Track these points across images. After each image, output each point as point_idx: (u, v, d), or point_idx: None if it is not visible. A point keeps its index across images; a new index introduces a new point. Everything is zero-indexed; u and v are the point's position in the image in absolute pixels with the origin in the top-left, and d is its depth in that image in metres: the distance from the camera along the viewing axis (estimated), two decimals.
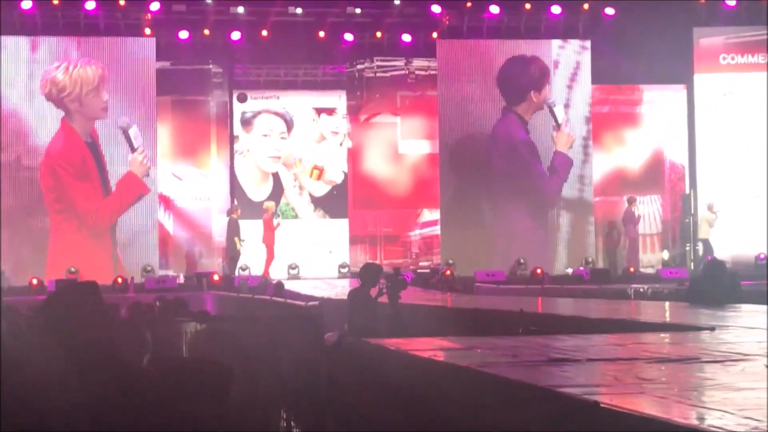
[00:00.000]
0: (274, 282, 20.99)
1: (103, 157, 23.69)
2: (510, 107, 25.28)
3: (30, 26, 24.00)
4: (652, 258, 26.38)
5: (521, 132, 25.30)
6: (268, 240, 24.52)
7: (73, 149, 23.53)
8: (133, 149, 23.61)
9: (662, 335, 9.45)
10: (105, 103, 23.73)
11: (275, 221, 24.70)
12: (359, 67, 26.49)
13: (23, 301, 16.64)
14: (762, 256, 24.16)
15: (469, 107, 25.26)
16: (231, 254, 24.19)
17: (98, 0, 23.93)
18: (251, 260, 24.81)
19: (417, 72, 26.72)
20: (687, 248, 25.43)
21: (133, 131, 23.53)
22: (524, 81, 25.31)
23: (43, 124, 23.58)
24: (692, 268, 24.35)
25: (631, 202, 25.80)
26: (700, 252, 24.85)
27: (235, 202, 24.99)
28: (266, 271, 24.11)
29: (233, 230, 24.12)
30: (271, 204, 24.96)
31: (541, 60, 25.39)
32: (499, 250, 24.76)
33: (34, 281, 21.61)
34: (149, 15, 24.30)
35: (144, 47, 24.21)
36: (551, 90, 25.33)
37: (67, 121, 23.58)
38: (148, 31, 24.39)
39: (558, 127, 25.29)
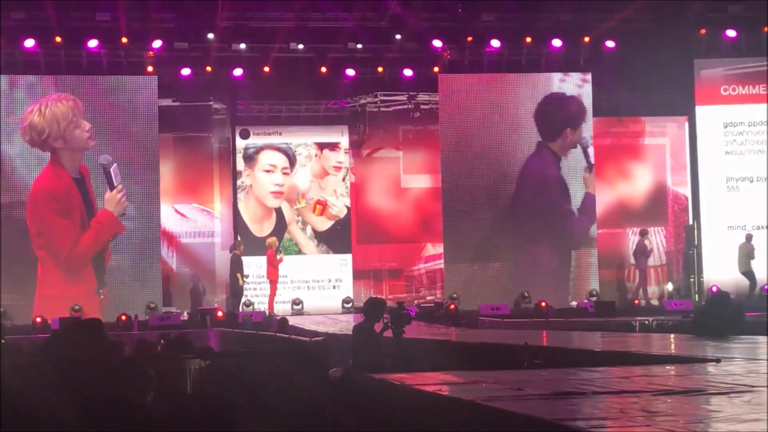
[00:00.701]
0: (278, 318, 20.96)
1: (92, 193, 23.59)
2: (545, 143, 25.31)
3: (33, 65, 24.08)
4: (656, 289, 26.33)
5: (554, 169, 25.32)
6: (272, 275, 24.53)
7: (58, 184, 23.44)
8: (112, 187, 23.48)
9: (668, 367, 9.42)
10: (89, 131, 23.59)
11: (278, 256, 24.70)
12: (362, 101, 26.58)
13: (26, 340, 16.66)
14: (766, 287, 24.08)
15: (471, 141, 25.28)
16: (234, 290, 24.18)
17: (100, 38, 24.03)
18: (255, 296, 24.81)
19: (420, 106, 26.79)
20: (691, 280, 25.40)
21: (114, 169, 23.43)
22: (561, 118, 25.38)
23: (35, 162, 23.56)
24: (696, 299, 24.29)
25: (644, 234, 25.83)
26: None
27: (239, 238, 24.99)
28: (270, 307, 24.12)
29: (236, 266, 24.10)
30: (273, 240, 24.97)
31: (579, 99, 25.44)
32: (503, 284, 24.72)
33: (38, 319, 21.58)
34: (151, 53, 24.40)
35: (146, 85, 24.28)
36: (585, 129, 25.38)
37: (55, 159, 23.53)
38: (150, 68, 24.48)
39: (590, 168, 25.31)
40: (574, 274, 25.32)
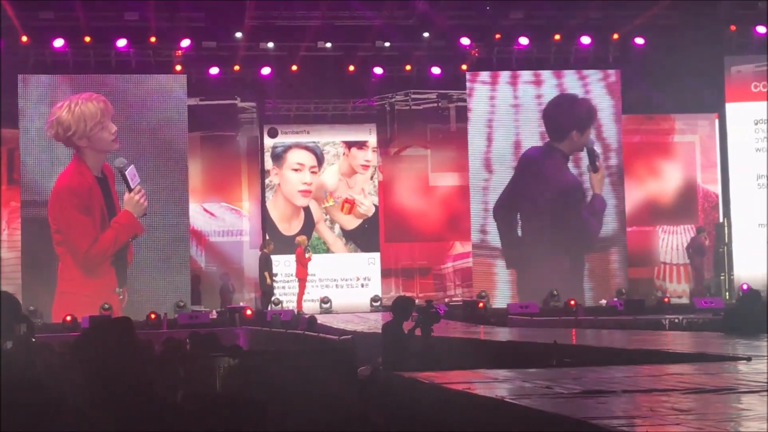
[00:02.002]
0: (307, 316, 20.99)
1: (115, 194, 23.66)
2: (552, 143, 25.24)
3: (62, 65, 24.21)
4: (686, 287, 26.20)
5: (569, 174, 25.21)
6: (301, 274, 24.56)
7: (80, 181, 23.52)
8: (129, 189, 23.49)
9: (698, 366, 9.37)
10: (114, 134, 23.67)
11: (306, 255, 24.73)
12: (393, 99, 26.58)
13: (56, 339, 16.74)
14: None
15: (499, 139, 25.24)
16: (264, 289, 24.22)
17: (129, 38, 24.14)
18: (283, 294, 24.86)
19: (448, 104, 26.75)
20: (722, 277, 25.27)
21: (130, 171, 23.44)
22: (569, 120, 25.26)
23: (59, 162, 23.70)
24: (727, 297, 24.15)
25: (700, 231, 25.74)
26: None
27: (267, 237, 25.03)
28: (299, 305, 24.15)
29: (265, 265, 24.14)
30: (302, 238, 24.99)
31: (589, 101, 25.31)
32: (532, 282, 24.65)
33: (68, 318, 21.68)
34: (180, 52, 24.48)
35: (174, 84, 24.36)
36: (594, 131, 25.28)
37: (79, 157, 23.65)
38: (178, 68, 24.57)
39: (595, 168, 25.18)
40: (602, 273, 25.21)
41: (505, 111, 25.27)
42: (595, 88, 25.42)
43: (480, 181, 25.17)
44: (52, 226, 23.49)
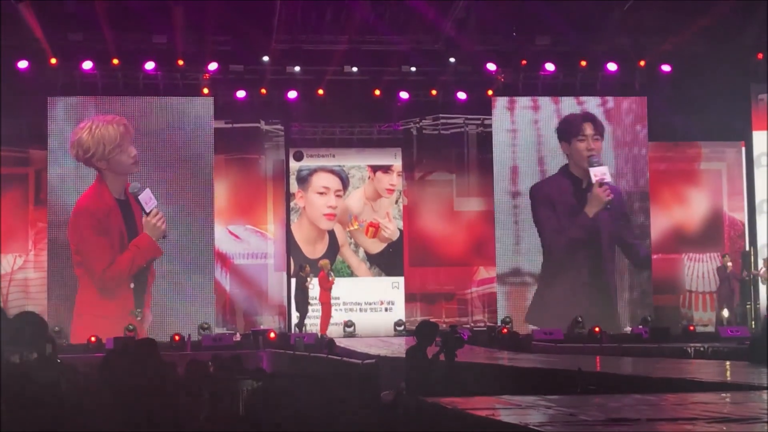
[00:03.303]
0: (327, 340, 21.01)
1: (138, 216, 23.72)
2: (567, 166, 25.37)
3: (90, 87, 24.38)
4: (711, 316, 26.03)
5: (570, 193, 25.22)
6: (324, 298, 24.55)
7: (99, 203, 23.67)
8: (146, 213, 23.60)
9: (723, 395, 9.31)
10: (134, 158, 23.85)
11: (330, 278, 24.72)
12: (420, 124, 26.61)
13: (80, 359, 16.78)
14: None
15: (524, 164, 25.25)
16: (300, 311, 24.21)
17: (157, 60, 24.31)
18: (308, 318, 24.85)
19: (475, 130, 26.77)
20: (747, 306, 25.11)
21: (144, 195, 23.48)
22: (558, 132, 25.39)
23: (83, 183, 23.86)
24: (753, 326, 24.00)
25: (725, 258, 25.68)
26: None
27: (298, 262, 25.05)
28: (323, 329, 24.12)
29: (302, 288, 24.21)
30: (325, 262, 24.98)
31: (581, 115, 25.37)
32: (557, 309, 24.57)
33: (93, 338, 21.75)
34: (207, 75, 24.63)
35: (202, 107, 24.49)
36: (600, 149, 25.22)
37: (100, 179, 23.79)
38: (206, 90, 24.70)
39: (589, 186, 25.11)
40: (628, 300, 25.13)
41: (530, 136, 25.28)
42: (623, 114, 25.42)
43: (505, 206, 25.15)
44: (71, 247, 23.67)
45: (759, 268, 24.86)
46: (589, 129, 25.34)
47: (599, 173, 24.94)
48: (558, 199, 25.23)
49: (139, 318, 23.43)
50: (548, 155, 25.30)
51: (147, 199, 23.53)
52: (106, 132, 23.81)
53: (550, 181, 25.31)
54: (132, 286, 23.75)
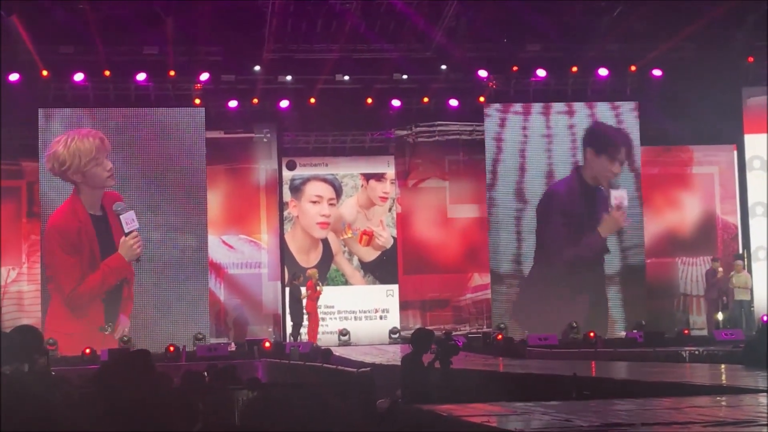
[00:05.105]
0: (323, 349, 20.99)
1: (114, 231, 23.54)
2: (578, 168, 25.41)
3: (82, 98, 24.36)
4: (706, 319, 26.05)
5: (579, 198, 25.27)
6: (310, 308, 24.49)
7: (71, 220, 23.50)
8: (125, 233, 23.47)
9: (718, 398, 9.32)
10: (109, 171, 23.65)
11: (317, 288, 24.68)
12: (414, 131, 26.58)
13: (74, 371, 16.76)
14: None
15: (516, 171, 25.26)
16: (295, 320, 24.19)
17: (148, 72, 24.30)
18: (302, 327, 24.82)
19: (468, 136, 26.77)
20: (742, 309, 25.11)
21: (127, 216, 23.34)
22: (589, 137, 25.44)
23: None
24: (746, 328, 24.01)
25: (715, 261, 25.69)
26: None
27: (292, 270, 25.02)
28: (313, 338, 24.05)
29: (296, 297, 24.21)
30: (313, 271, 24.95)
31: (615, 130, 25.38)
32: (551, 314, 24.57)
33: (87, 350, 21.72)
34: (199, 85, 24.63)
35: (193, 117, 24.48)
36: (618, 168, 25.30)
37: (76, 193, 23.67)
38: (197, 101, 24.70)
39: (607, 208, 25.17)
40: (622, 304, 25.14)
41: (521, 142, 25.30)
42: (610, 119, 25.47)
43: (498, 212, 25.15)
44: (45, 263, 23.55)
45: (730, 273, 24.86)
46: (623, 153, 25.35)
47: (619, 197, 25.06)
48: (571, 210, 25.19)
49: (108, 332, 23.28)
50: (539, 161, 25.29)
51: (129, 220, 23.40)
52: (81, 145, 23.68)
53: (562, 185, 25.26)
54: (103, 300, 23.63)
